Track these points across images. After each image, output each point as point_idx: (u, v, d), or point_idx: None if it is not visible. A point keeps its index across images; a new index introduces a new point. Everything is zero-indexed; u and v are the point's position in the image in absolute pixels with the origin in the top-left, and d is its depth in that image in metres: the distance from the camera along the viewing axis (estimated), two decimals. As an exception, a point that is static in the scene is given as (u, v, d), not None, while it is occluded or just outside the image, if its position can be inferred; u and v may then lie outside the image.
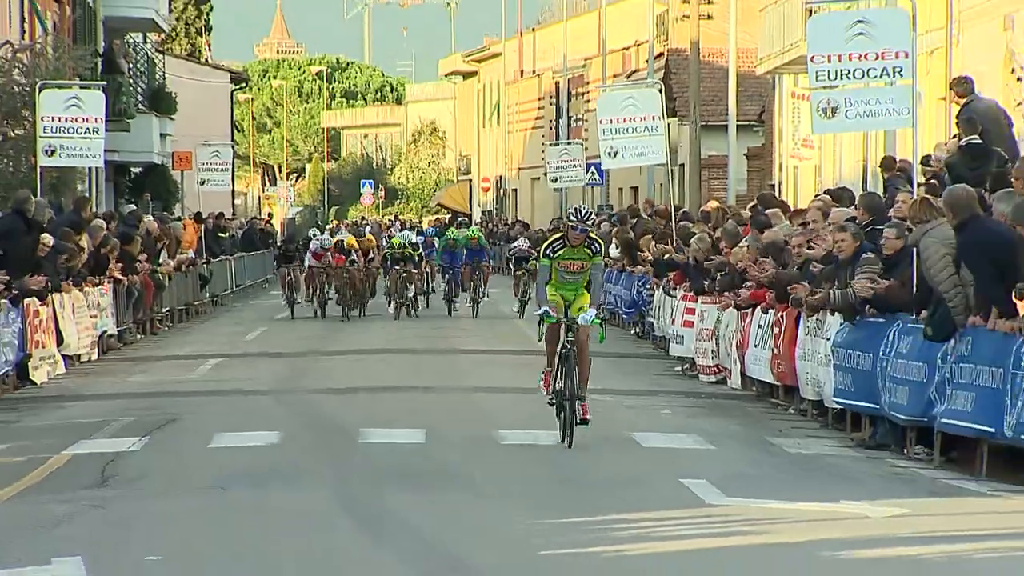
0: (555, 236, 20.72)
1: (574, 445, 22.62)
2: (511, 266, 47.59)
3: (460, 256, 45.68)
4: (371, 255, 45.12)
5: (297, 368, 33.61)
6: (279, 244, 50.77)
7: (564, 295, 19.82)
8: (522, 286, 45.37)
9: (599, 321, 20.36)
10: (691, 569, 14.58)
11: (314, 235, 46.97)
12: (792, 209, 32.38)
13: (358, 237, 46.93)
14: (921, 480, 20.10)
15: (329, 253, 43.50)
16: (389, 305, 45.59)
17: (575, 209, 20.20)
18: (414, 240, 46.77)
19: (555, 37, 77.58)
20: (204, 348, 37.33)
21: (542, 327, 20.10)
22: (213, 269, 50.49)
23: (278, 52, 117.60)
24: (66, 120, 35.22)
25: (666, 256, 34.34)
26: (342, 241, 45.45)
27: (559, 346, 19.96)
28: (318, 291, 43.86)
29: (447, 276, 45.60)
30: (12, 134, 41.02)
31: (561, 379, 20.00)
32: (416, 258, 45.41)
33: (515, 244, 49.15)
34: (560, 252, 19.61)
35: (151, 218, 42.89)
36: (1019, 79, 32.39)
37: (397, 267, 44.48)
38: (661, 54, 64.64)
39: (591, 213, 20.40)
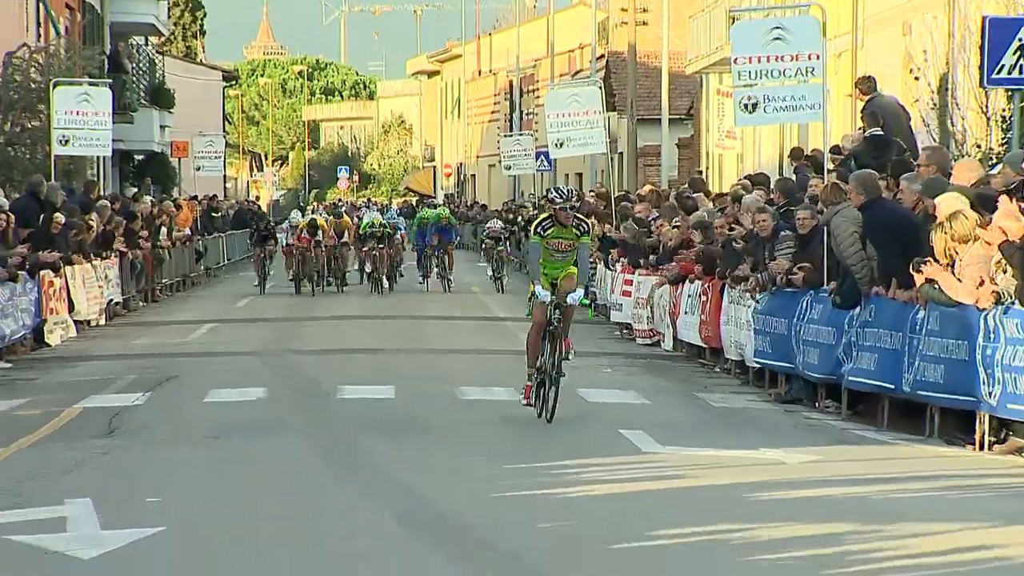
0: (544, 215, 19.75)
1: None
2: (484, 246, 47.53)
3: (431, 234, 45.89)
4: (344, 235, 45.06)
5: (281, 333, 34.41)
6: (255, 226, 50.03)
7: (551, 273, 18.91)
8: (495, 263, 45.90)
9: (588, 302, 19.51)
10: (629, 509, 14.95)
11: (293, 217, 47.30)
12: (715, 193, 33.44)
13: (337, 218, 47.06)
14: (831, 430, 20.79)
15: (296, 234, 43.77)
16: (361, 281, 45.54)
17: (554, 189, 19.31)
18: (382, 220, 46.77)
19: (509, 41, 78.85)
20: (199, 315, 38.30)
21: (531, 304, 19.26)
22: (207, 245, 51.86)
23: (264, 53, 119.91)
24: (77, 114, 35.83)
25: (607, 234, 35.27)
26: (314, 221, 45.49)
27: (546, 324, 18.91)
28: (293, 268, 43.81)
29: (419, 253, 45.93)
30: (29, 125, 41.84)
31: (546, 356, 18.97)
32: (390, 236, 45.44)
33: (488, 225, 49.31)
34: (550, 231, 18.72)
35: (148, 199, 43.82)
36: (916, 78, 33.00)
37: (369, 245, 44.66)
38: (602, 56, 66.30)
39: (572, 191, 19.23)
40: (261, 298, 43.31)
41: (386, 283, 44.55)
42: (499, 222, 50.32)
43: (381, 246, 44.58)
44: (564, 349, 18.61)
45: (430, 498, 15.54)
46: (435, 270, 45.59)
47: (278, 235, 47.78)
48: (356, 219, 50.03)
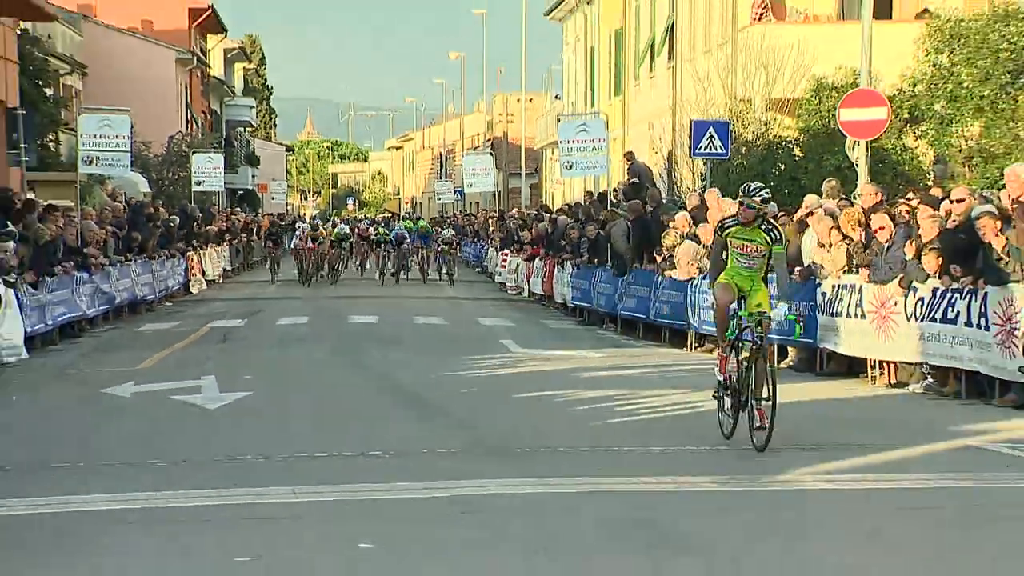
0: (731, 213, 13.96)
1: (450, 321, 26.79)
2: (439, 250, 46.95)
3: (414, 239, 46.83)
4: (321, 240, 44.23)
5: (314, 292, 39.07)
6: (269, 232, 50.34)
7: (739, 283, 12.98)
8: (448, 263, 45.19)
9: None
10: (508, 381, 17.62)
11: (299, 226, 48.07)
12: (556, 210, 38.49)
13: (353, 229, 49.07)
14: (612, 340, 25.26)
15: (302, 239, 43.54)
16: (361, 274, 46.33)
17: (745, 185, 13.10)
18: (347, 231, 47.37)
19: (439, 130, 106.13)
20: (278, 276, 44.25)
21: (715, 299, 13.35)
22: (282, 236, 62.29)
23: (308, 136, 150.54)
24: (211, 169, 44.71)
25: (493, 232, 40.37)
26: (316, 227, 46.71)
27: (736, 340, 12.90)
28: (298, 264, 43.52)
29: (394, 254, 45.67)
30: (180, 175, 50.30)
31: (742, 375, 12.76)
32: (399, 243, 45.33)
33: (443, 233, 48.57)
34: (731, 229, 12.99)
35: (243, 214, 54.09)
36: (656, 152, 37.96)
37: (378, 248, 45.63)
38: (490, 139, 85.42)
39: (761, 188, 12.87)
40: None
41: (391, 278, 44.06)
42: (452, 231, 49.03)
43: (391, 249, 45.03)
44: (759, 418, 12.47)
45: (396, 377, 18.34)
46: (415, 266, 46.27)
47: (284, 239, 49.21)
48: (359, 229, 51.25)
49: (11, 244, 21.90)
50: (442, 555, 8.78)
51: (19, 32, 40.01)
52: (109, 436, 13.61)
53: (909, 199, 19.46)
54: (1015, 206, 15.80)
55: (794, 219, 20.71)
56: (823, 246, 19.31)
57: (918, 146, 29.01)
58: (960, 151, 27.94)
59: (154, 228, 33.23)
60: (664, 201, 27.39)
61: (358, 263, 47.96)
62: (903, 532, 9.44)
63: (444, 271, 45.39)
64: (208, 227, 42.97)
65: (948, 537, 9.33)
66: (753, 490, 10.79)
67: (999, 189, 18.59)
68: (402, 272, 45.08)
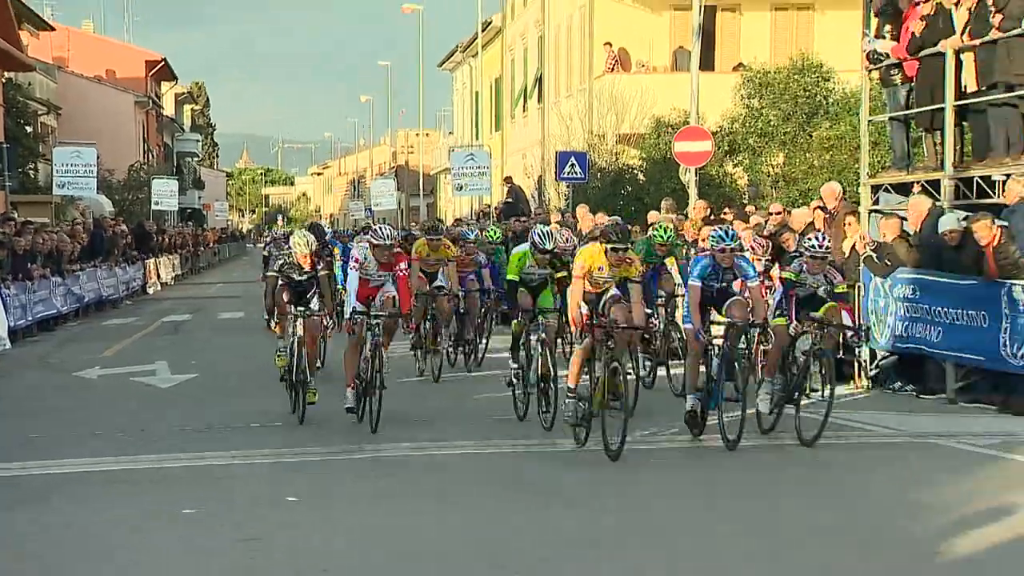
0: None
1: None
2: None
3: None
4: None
5: (253, 288, 34.50)
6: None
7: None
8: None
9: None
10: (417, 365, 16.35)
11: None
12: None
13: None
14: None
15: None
16: None
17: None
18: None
19: (352, 160, 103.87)
20: (215, 279, 44.35)
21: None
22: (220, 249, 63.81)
23: (244, 164, 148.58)
24: (167, 192, 43.45)
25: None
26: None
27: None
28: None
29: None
30: (139, 197, 49.44)
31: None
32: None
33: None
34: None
35: (189, 229, 52.59)
36: (528, 176, 37.62)
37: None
38: (394, 167, 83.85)
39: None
40: (238, 270, 44.64)
41: None
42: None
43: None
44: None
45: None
46: None
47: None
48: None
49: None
50: (358, 505, 8.76)
51: (3, 80, 40.10)
52: (79, 412, 13.47)
53: (725, 214, 19.72)
54: (826, 216, 15.82)
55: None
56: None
57: (736, 172, 29.61)
58: (768, 176, 28.74)
59: (113, 240, 32.53)
60: (534, 216, 27.42)
61: None
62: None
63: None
64: (162, 239, 42.45)
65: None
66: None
67: (798, 206, 19.15)
68: None
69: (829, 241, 11.59)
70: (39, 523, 8.27)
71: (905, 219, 14.58)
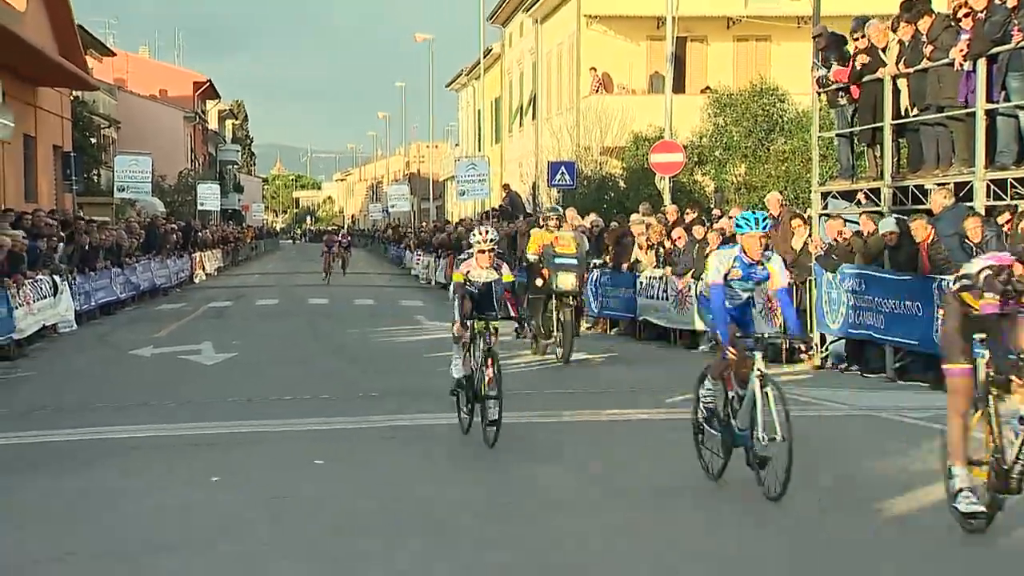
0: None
1: (379, 302, 26.18)
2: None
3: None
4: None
5: (286, 279, 37.81)
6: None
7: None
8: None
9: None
10: (422, 344, 17.03)
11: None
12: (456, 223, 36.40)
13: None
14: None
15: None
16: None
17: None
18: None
19: (371, 168, 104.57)
20: (253, 270, 44.50)
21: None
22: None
23: (278, 171, 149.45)
24: (210, 195, 43.07)
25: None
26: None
27: None
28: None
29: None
30: (186, 200, 49.10)
31: None
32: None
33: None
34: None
35: (231, 227, 52.01)
36: (524, 183, 36.82)
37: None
38: (408, 174, 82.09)
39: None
40: (272, 263, 44.12)
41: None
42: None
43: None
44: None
45: (338, 339, 18.31)
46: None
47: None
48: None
49: (61, 246, 21.37)
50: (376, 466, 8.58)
51: (72, 98, 40.11)
52: (132, 385, 13.17)
53: (687, 213, 19.30)
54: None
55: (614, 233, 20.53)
56: (642, 249, 19.16)
57: (704, 180, 29.40)
58: (732, 184, 28.49)
59: (165, 236, 32.25)
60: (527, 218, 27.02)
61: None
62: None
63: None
64: (206, 235, 42.08)
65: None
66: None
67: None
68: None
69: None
70: (78, 489, 7.87)
71: (847, 221, 14.56)
